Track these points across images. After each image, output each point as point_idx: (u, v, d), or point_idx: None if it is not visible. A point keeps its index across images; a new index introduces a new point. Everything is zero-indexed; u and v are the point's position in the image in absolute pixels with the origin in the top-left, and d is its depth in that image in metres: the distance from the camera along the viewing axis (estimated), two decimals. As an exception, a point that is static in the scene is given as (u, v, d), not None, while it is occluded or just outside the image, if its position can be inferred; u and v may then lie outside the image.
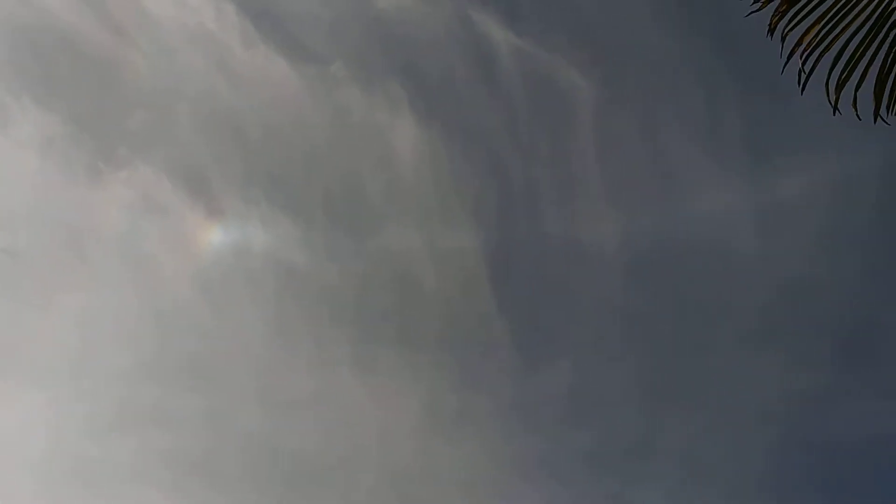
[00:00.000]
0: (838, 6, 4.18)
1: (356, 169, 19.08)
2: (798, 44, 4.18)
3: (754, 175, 17.94)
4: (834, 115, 4.25)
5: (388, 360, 20.39)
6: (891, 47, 4.27)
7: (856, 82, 4.26)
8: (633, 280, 19.23)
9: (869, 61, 4.27)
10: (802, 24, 4.18)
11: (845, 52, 4.23)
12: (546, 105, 18.12)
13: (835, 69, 4.23)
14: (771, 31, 4.15)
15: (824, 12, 4.18)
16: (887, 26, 4.22)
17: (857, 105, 4.26)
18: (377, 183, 19.10)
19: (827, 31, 4.21)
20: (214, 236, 18.78)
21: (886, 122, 4.35)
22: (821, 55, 4.21)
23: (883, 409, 18.13)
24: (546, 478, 20.10)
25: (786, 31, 4.15)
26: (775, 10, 4.12)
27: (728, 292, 18.98)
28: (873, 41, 4.25)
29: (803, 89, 4.20)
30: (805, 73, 4.19)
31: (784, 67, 4.17)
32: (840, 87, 4.23)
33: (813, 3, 4.16)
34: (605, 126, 18.14)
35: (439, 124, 18.65)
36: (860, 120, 4.28)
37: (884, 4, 4.17)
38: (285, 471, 20.23)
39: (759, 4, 4.09)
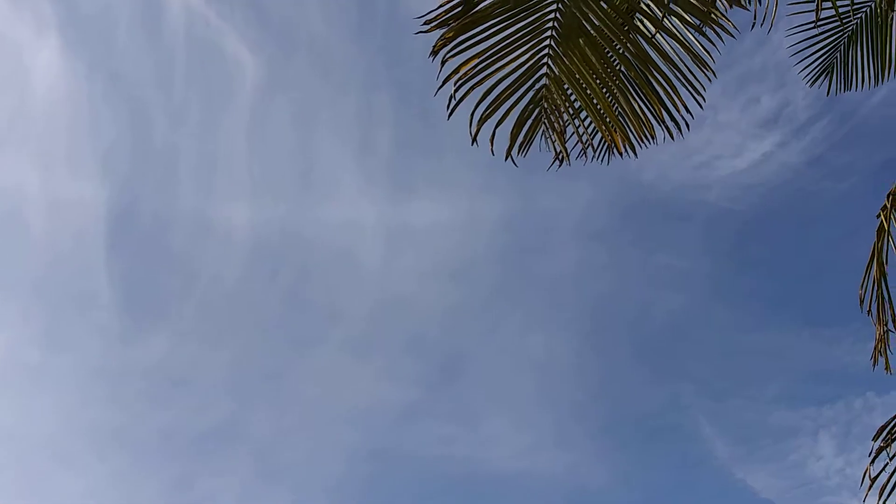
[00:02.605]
0: (497, 48, 4.48)
1: (-21, 87, 16.74)
2: (455, 72, 4.44)
3: (393, 194, 18.80)
4: (472, 144, 4.58)
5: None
6: (533, 97, 4.68)
7: (497, 120, 4.63)
8: (255, 267, 19.24)
9: (513, 104, 4.65)
10: (464, 54, 4.44)
11: (494, 90, 4.57)
12: (207, 72, 17.25)
13: (482, 103, 4.55)
14: (434, 53, 4.36)
15: (485, 50, 4.47)
16: (534, 79, 4.61)
17: (494, 142, 4.63)
18: (2, 106, 16.84)
19: (484, 67, 4.51)
20: None
21: (515, 164, 4.78)
22: (472, 87, 4.51)
23: (454, 434, 20.12)
24: (117, 451, 19.61)
25: (447, 56, 4.38)
26: (441, 36, 4.33)
27: (342, 298, 19.70)
28: (521, 87, 4.63)
29: (450, 115, 4.48)
30: (455, 100, 4.46)
31: (437, 91, 4.41)
32: (482, 121, 4.57)
33: (476, 40, 4.42)
34: (262, 109, 17.78)
35: (86, 61, 17.08)
36: (493, 155, 4.66)
37: (534, 60, 4.54)
38: None
39: (428, 28, 4.27)
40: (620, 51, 4.58)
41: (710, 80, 4.80)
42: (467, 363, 20.56)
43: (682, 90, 4.71)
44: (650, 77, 4.67)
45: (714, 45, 4.68)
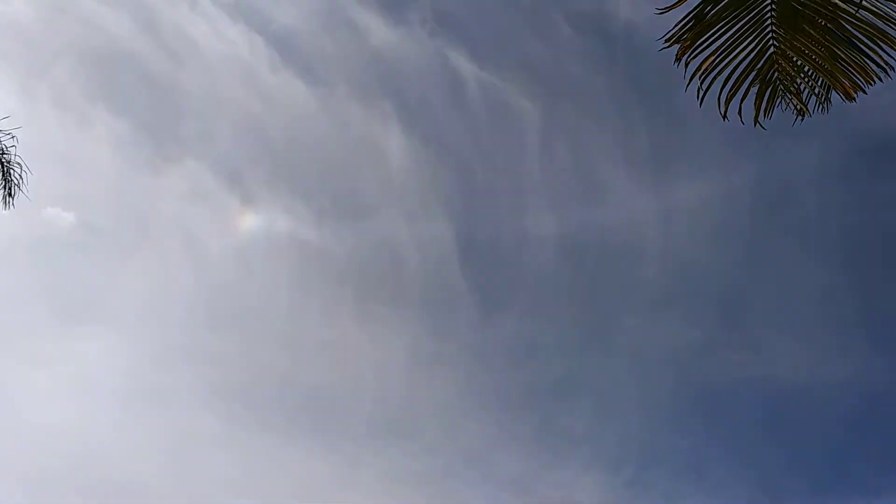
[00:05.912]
0: (728, 42, 5.78)
1: (356, 169, 25.53)
2: (698, 69, 5.80)
3: (659, 183, 25.21)
4: (724, 120, 5.88)
5: (381, 315, 27.32)
6: (767, 73, 5.88)
7: (741, 98, 5.89)
8: (567, 259, 26.48)
9: (751, 83, 5.89)
10: (701, 55, 5.79)
11: (733, 75, 5.85)
12: (502, 124, 24.70)
13: (724, 87, 5.85)
14: (678, 59, 5.76)
15: (718, 46, 5.79)
16: (763, 59, 5.83)
17: (733, 115, 5.89)
18: (373, 181, 25.72)
19: (719, 60, 5.82)
20: (248, 219, 25.06)
21: (763, 127, 5.98)
22: (715, 77, 5.83)
23: (744, 360, 26.34)
24: (497, 408, 27.34)
25: (688, 59, 5.76)
26: (681, 45, 5.72)
27: (637, 269, 26.43)
28: (754, 68, 5.87)
29: (701, 102, 5.83)
30: (703, 90, 5.81)
31: (687, 87, 5.79)
32: (728, 100, 5.86)
33: (710, 40, 5.76)
34: (546, 142, 25.01)
35: (420, 137, 25.53)
36: (743, 124, 5.91)
37: (761, 45, 5.77)
38: (302, 399, 26.88)
39: (669, 43, 5.69)
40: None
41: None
42: (745, 304, 26.39)
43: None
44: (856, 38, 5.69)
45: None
